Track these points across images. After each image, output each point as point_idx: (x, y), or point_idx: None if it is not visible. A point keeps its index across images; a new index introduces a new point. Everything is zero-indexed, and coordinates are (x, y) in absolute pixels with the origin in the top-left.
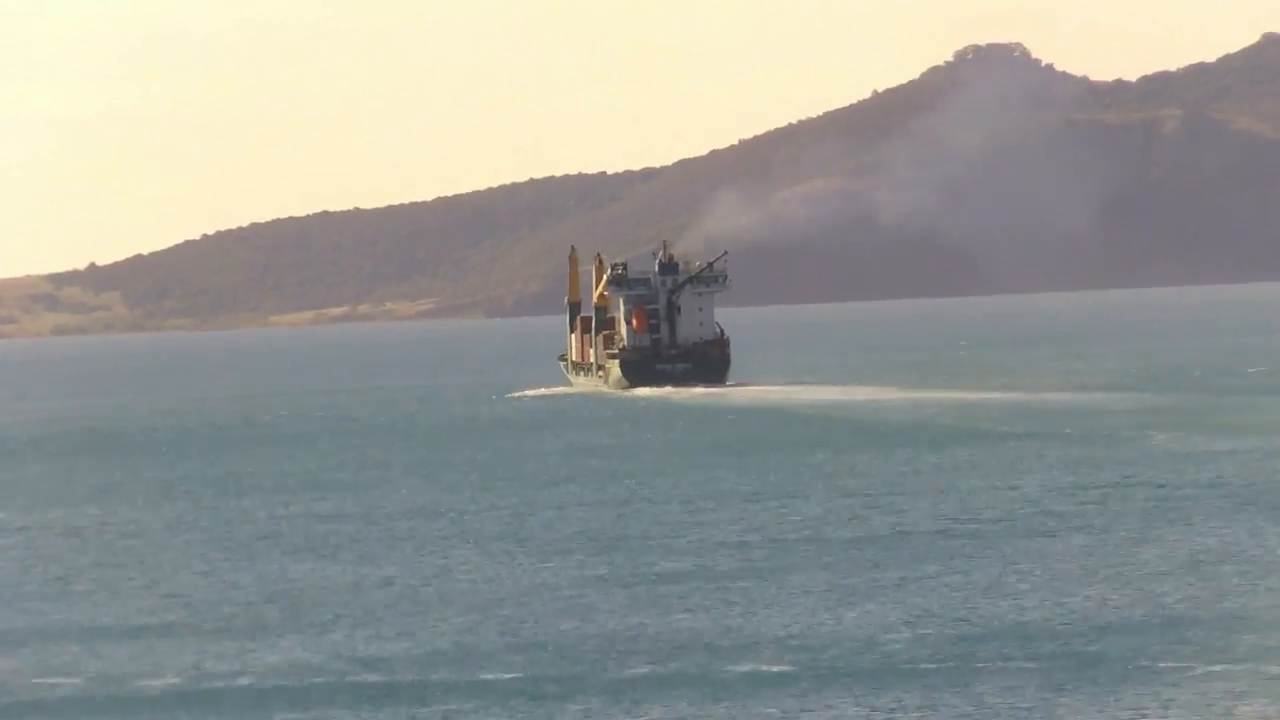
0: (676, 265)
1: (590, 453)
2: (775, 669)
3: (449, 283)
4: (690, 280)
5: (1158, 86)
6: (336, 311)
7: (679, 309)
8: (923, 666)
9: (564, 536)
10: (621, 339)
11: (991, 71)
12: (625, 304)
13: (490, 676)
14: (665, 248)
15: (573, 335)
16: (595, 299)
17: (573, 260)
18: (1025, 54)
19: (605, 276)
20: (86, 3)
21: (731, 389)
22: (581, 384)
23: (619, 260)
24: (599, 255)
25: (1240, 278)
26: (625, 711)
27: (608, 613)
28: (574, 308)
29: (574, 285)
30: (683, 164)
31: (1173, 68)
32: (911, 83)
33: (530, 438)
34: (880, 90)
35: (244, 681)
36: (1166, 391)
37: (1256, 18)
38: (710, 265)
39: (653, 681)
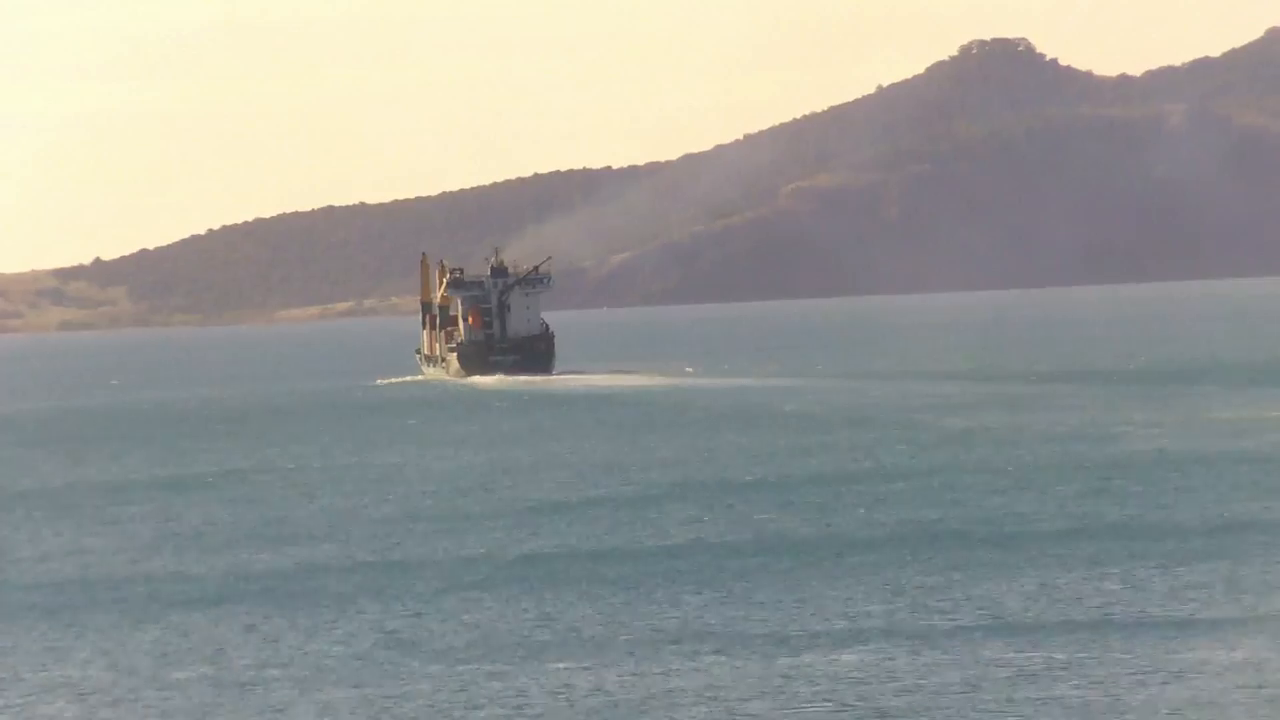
0: (506, 269)
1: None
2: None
3: None
4: (518, 282)
5: (1162, 81)
6: (342, 306)
7: (508, 307)
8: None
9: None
10: (460, 334)
11: (997, 67)
12: (463, 304)
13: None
14: (497, 254)
15: (425, 331)
16: (438, 299)
17: (424, 265)
18: (1030, 49)
19: (445, 279)
20: (92, 1)
21: (546, 378)
22: (430, 374)
23: (457, 266)
24: (441, 261)
25: (1243, 272)
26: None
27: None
28: (426, 307)
29: (425, 287)
30: (688, 159)
31: (1177, 63)
32: (916, 78)
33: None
34: (885, 85)
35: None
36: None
37: (1261, 13)
38: (536, 269)
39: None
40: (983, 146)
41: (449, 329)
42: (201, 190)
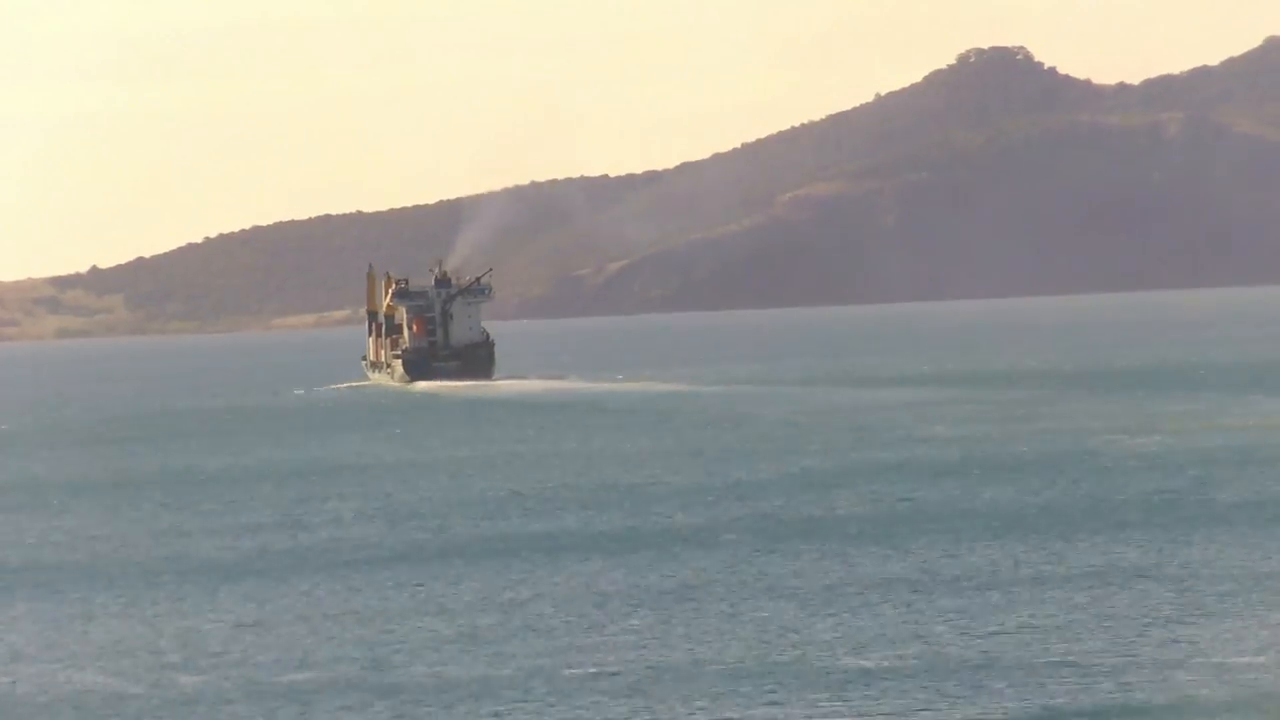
0: (450, 280)
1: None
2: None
3: None
4: (461, 292)
5: (1160, 90)
6: (339, 314)
7: (451, 316)
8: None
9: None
10: (404, 341)
11: (995, 75)
12: (408, 313)
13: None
14: (440, 265)
15: (371, 339)
16: (384, 309)
17: (370, 277)
18: (1028, 57)
19: (391, 290)
20: (88, 3)
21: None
22: (376, 379)
23: (402, 277)
24: (387, 272)
25: (1243, 281)
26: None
27: None
28: (372, 315)
29: (372, 296)
30: (685, 167)
31: (1176, 71)
32: (914, 86)
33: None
34: (883, 94)
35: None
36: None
37: (1259, 21)
38: (478, 280)
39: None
40: (981, 154)
41: (394, 337)
42: (198, 198)
